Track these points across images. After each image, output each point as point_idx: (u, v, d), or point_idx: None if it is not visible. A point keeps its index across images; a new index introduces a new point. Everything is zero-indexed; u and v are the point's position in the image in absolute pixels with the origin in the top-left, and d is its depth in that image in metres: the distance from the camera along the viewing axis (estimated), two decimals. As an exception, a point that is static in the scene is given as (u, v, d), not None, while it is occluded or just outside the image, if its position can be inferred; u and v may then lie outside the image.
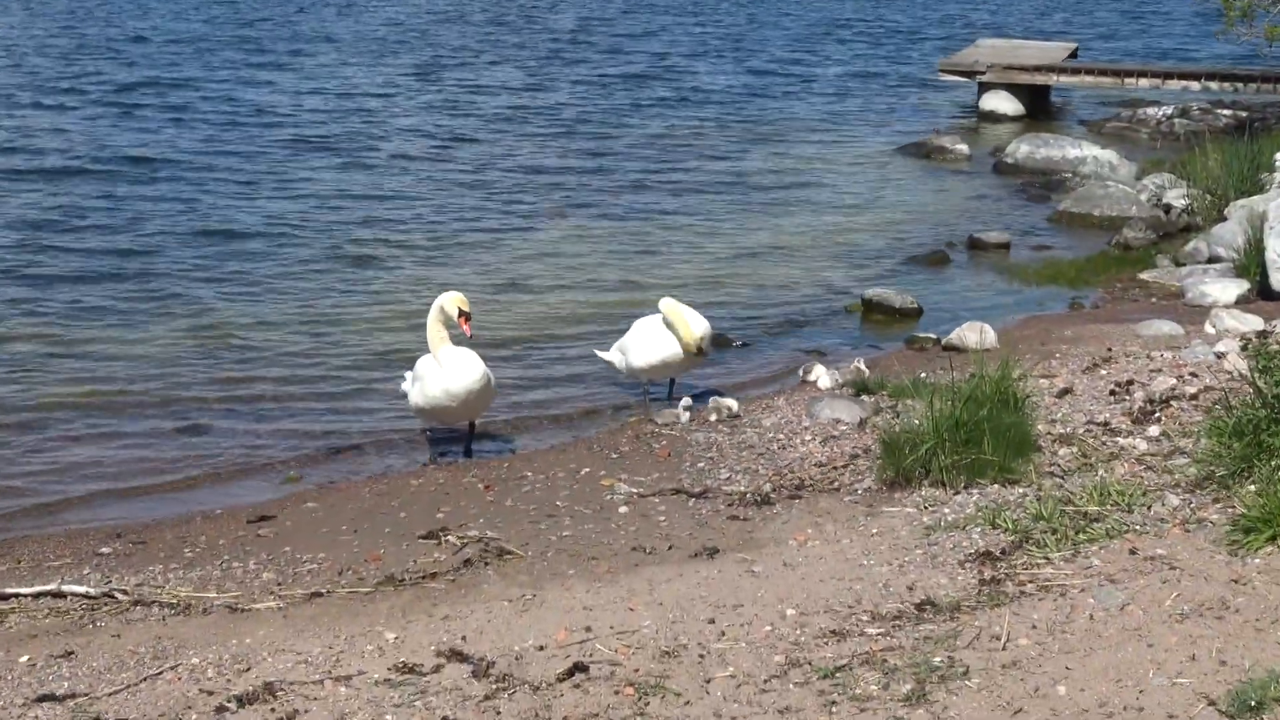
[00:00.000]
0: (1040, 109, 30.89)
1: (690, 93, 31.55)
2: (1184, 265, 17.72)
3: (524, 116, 27.89)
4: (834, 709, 5.99)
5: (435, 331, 10.99)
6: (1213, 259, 17.61)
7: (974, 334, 13.41)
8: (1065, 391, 11.03)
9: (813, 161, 24.89)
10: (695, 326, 11.92)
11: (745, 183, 23.14)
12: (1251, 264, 15.99)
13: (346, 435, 12.00)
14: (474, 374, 10.99)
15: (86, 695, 6.66)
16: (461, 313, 10.92)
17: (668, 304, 12.17)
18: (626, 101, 29.99)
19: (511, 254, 18.14)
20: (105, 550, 9.39)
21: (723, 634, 6.89)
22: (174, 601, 8.07)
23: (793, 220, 20.60)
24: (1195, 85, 29.75)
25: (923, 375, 11.91)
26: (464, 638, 7.10)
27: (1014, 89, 30.75)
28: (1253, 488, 7.79)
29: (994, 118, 30.29)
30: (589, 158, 24.55)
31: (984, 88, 30.90)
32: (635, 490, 9.74)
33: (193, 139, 24.21)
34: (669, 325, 12.02)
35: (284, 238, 18.24)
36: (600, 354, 12.87)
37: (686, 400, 12.09)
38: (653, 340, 12.17)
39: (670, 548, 8.50)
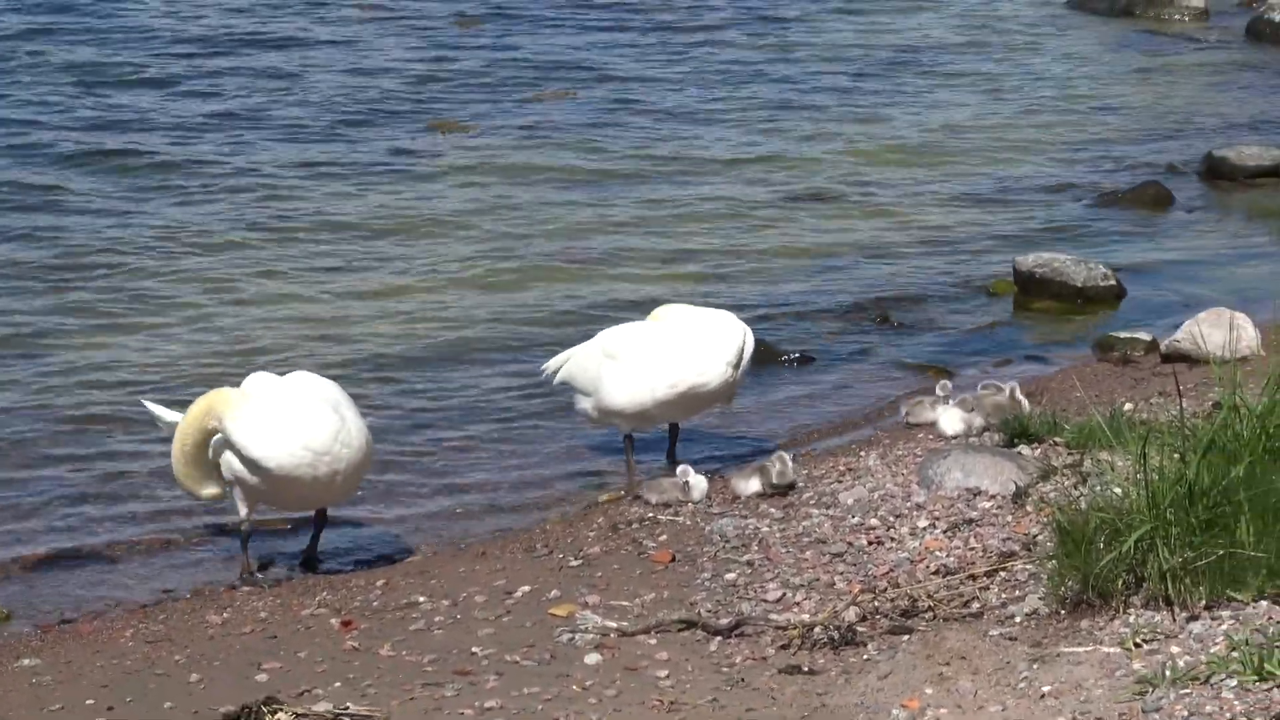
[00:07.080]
0: None
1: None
2: None
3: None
4: None
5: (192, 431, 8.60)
6: None
7: (1219, 331, 11.37)
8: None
9: (920, 30, 19.75)
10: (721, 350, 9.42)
11: (788, 67, 17.99)
12: None
13: (88, 531, 9.55)
14: (322, 427, 8.53)
15: None
16: None
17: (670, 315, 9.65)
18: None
19: (390, 200, 13.88)
20: None
21: None
22: None
23: (886, 135, 16.26)
24: None
25: (1128, 407, 10.05)
26: None
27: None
28: None
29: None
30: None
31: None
32: (612, 624, 8.07)
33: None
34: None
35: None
36: (553, 369, 10.08)
37: (685, 467, 9.50)
38: (649, 359, 9.54)
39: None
